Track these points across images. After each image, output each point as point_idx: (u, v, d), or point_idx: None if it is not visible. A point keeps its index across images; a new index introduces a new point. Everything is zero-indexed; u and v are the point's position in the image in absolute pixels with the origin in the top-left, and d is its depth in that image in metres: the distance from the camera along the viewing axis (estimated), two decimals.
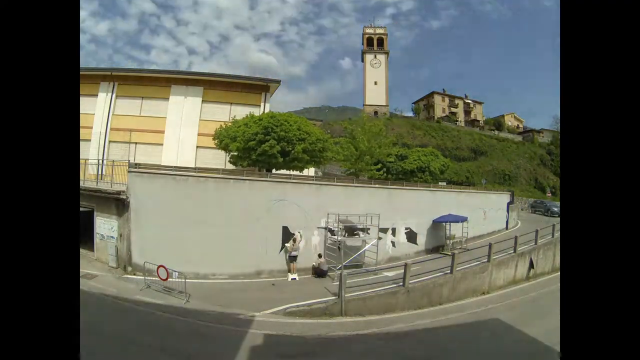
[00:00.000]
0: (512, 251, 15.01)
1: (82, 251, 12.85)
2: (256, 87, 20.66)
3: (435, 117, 65.92)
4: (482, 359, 8.01)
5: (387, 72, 63.93)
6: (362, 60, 64.88)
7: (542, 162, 60.54)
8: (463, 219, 17.62)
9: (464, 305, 11.72)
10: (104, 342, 6.74)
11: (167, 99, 19.80)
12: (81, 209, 12.42)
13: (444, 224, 18.10)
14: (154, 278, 10.14)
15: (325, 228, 13.39)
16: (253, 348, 7.49)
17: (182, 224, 11.36)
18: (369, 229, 13.86)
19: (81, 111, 16.33)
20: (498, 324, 10.19)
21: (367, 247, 13.74)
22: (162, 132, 19.50)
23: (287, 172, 15.22)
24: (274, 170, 15.04)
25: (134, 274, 11.07)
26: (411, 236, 16.56)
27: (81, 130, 15.25)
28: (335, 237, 12.97)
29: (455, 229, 18.51)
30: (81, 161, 13.36)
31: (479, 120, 70.15)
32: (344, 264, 12.49)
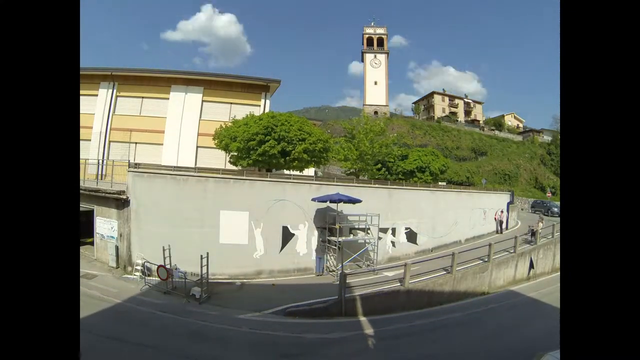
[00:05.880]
0: (513, 251, 15.02)
1: (82, 251, 12.88)
2: (256, 86, 20.66)
3: (435, 117, 65.87)
4: (482, 358, 8.00)
5: (387, 72, 63.93)
6: (362, 60, 64.82)
7: (542, 162, 60.46)
8: (355, 200, 12.72)
9: (464, 305, 11.72)
10: (104, 343, 6.76)
11: (167, 98, 19.81)
12: (81, 209, 12.44)
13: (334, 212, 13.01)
14: (154, 278, 10.16)
15: (325, 228, 13.39)
16: (253, 348, 7.50)
17: (182, 223, 11.38)
18: (369, 228, 13.85)
19: (81, 111, 16.37)
20: (498, 323, 10.19)
21: (367, 247, 13.74)
22: (162, 132, 19.51)
23: (287, 172, 15.22)
24: (274, 170, 15.03)
25: (134, 274, 11.08)
26: (411, 236, 16.57)
27: (81, 130, 15.29)
28: (335, 237, 12.98)
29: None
30: (81, 161, 13.37)
31: (479, 120, 70.09)
32: (344, 263, 12.50)
